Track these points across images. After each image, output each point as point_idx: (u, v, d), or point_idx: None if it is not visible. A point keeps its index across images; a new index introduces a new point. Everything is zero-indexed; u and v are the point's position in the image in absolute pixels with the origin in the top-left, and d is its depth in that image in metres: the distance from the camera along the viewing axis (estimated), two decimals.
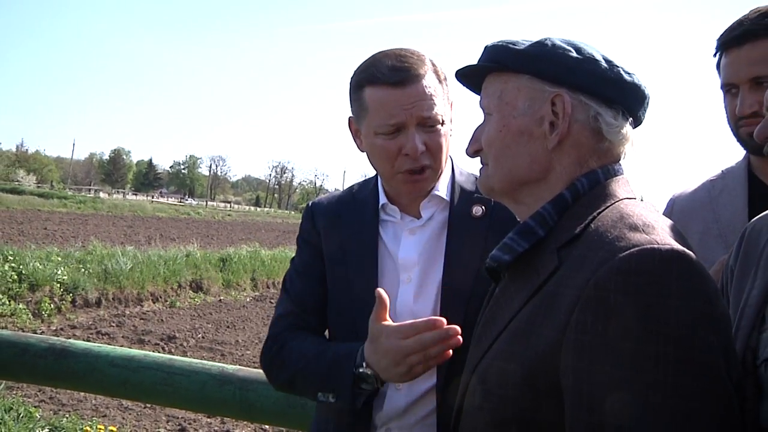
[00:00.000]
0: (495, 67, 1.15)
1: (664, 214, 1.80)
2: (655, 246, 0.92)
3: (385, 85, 1.48)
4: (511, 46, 1.13)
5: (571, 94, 1.09)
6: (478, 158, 1.21)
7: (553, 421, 0.95)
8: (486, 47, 1.18)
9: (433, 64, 1.53)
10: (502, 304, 1.11)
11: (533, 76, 1.11)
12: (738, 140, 1.62)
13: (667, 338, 0.87)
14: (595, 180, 1.09)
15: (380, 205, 1.61)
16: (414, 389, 1.49)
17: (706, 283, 0.92)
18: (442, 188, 1.58)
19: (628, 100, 1.11)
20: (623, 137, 1.11)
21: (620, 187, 1.09)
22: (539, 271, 1.04)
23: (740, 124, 1.57)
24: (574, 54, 1.10)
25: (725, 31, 1.57)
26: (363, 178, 1.79)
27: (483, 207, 1.54)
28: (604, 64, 1.10)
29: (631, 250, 0.93)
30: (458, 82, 1.28)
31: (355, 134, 1.62)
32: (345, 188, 1.77)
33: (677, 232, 1.03)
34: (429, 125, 1.50)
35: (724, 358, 0.90)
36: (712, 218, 1.68)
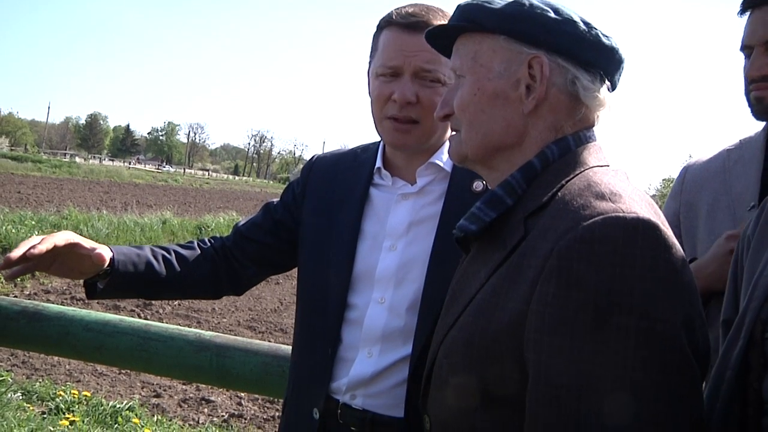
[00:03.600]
0: (469, 27, 1.11)
1: (676, 181, 1.76)
2: (620, 214, 0.91)
3: (396, 27, 1.47)
4: (486, 4, 1.09)
5: (549, 56, 1.05)
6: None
7: (517, 394, 0.94)
8: (459, 6, 1.13)
9: None
10: (469, 276, 1.09)
11: (510, 36, 1.06)
12: (748, 104, 1.55)
13: (629, 309, 0.86)
14: (566, 147, 1.06)
15: (375, 168, 1.58)
16: (384, 358, 1.46)
17: (672, 252, 0.91)
18: (443, 157, 1.52)
19: (606, 63, 1.08)
20: (600, 102, 1.08)
21: (591, 154, 1.07)
22: (506, 242, 1.02)
23: (751, 88, 1.51)
24: (553, 15, 1.06)
25: None
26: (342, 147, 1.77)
27: (484, 182, 1.46)
28: (582, 26, 1.06)
29: (596, 218, 0.91)
30: (429, 44, 1.23)
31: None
32: (354, 146, 1.74)
33: (648, 202, 1.01)
34: (427, 79, 1.45)
35: (686, 329, 0.89)
36: (722, 189, 1.62)
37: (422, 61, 1.44)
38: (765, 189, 1.56)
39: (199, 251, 1.73)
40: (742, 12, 1.53)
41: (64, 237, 1.52)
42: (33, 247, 1.45)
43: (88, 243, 1.55)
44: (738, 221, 1.55)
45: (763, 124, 1.64)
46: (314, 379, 1.54)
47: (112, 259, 1.58)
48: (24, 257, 1.46)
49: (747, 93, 1.54)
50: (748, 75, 1.49)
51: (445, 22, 1.43)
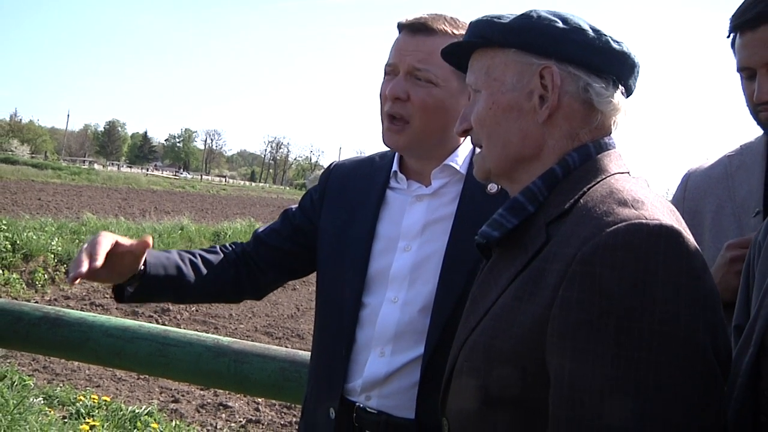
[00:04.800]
0: (480, 43, 1.13)
1: (678, 189, 1.75)
2: (643, 221, 0.91)
3: (402, 30, 1.53)
4: (495, 20, 1.11)
5: (560, 65, 1.06)
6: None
7: (538, 398, 0.95)
8: (471, 23, 1.16)
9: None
10: (490, 281, 1.10)
11: (520, 49, 1.08)
12: (758, 123, 1.54)
13: (652, 315, 0.87)
14: (587, 154, 1.07)
15: (392, 171, 1.61)
16: (397, 358, 1.48)
17: (694, 258, 0.91)
18: (459, 160, 1.54)
19: (618, 68, 1.08)
20: (614, 107, 1.08)
21: (612, 161, 1.07)
22: (528, 248, 1.03)
23: (760, 109, 1.49)
24: (561, 24, 1.07)
25: (739, 11, 1.48)
26: (357, 154, 1.81)
27: (498, 185, 1.47)
28: (591, 33, 1.07)
29: (619, 225, 0.91)
30: (445, 62, 1.26)
31: None
32: (372, 153, 1.78)
33: (669, 209, 1.01)
34: (420, 78, 1.48)
35: (710, 335, 0.89)
36: (726, 196, 1.61)
37: (415, 60, 1.48)
38: (767, 194, 1.55)
39: (222, 256, 1.75)
40: (739, 32, 1.49)
41: (108, 240, 1.50)
42: (93, 259, 1.44)
43: (124, 240, 1.54)
44: (744, 227, 1.54)
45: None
46: (330, 379, 1.56)
47: (144, 262, 1.59)
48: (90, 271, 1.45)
49: (755, 113, 1.52)
50: (757, 98, 1.47)
51: (447, 27, 1.49)
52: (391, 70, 1.52)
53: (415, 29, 1.50)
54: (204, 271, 1.69)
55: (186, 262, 1.68)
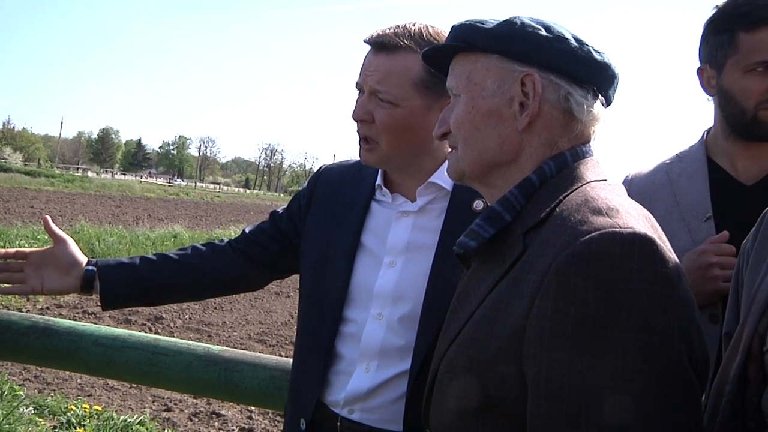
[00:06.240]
0: (462, 47, 1.13)
1: None
2: (617, 229, 0.92)
3: (370, 46, 1.50)
4: (479, 25, 1.11)
5: (542, 73, 1.07)
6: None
7: (518, 408, 0.95)
8: (453, 27, 1.16)
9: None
10: (469, 291, 1.10)
11: (502, 55, 1.08)
12: (751, 123, 1.54)
13: (627, 323, 0.87)
14: (563, 163, 1.08)
15: (376, 184, 1.59)
16: (382, 373, 1.47)
17: (668, 266, 0.92)
18: (444, 176, 1.51)
19: (599, 79, 1.09)
20: (594, 117, 1.09)
21: (588, 169, 1.08)
22: (505, 257, 1.04)
23: (764, 107, 1.50)
24: (544, 32, 1.08)
25: (760, 6, 1.48)
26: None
27: (485, 202, 1.44)
28: (573, 42, 1.08)
29: (593, 234, 0.92)
30: (425, 64, 1.25)
31: None
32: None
33: (645, 216, 1.02)
34: (381, 99, 1.46)
35: (685, 343, 0.90)
36: (673, 201, 1.64)
37: (374, 81, 1.46)
38: (716, 201, 1.59)
39: (222, 251, 1.77)
40: (757, 27, 1.49)
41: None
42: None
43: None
44: (693, 232, 1.58)
45: (698, 137, 1.69)
46: (304, 390, 1.56)
47: (95, 263, 1.71)
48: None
49: (752, 112, 1.52)
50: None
51: (409, 43, 1.44)
52: (359, 90, 1.51)
53: (376, 47, 1.47)
54: (201, 265, 1.74)
55: (158, 257, 1.74)
